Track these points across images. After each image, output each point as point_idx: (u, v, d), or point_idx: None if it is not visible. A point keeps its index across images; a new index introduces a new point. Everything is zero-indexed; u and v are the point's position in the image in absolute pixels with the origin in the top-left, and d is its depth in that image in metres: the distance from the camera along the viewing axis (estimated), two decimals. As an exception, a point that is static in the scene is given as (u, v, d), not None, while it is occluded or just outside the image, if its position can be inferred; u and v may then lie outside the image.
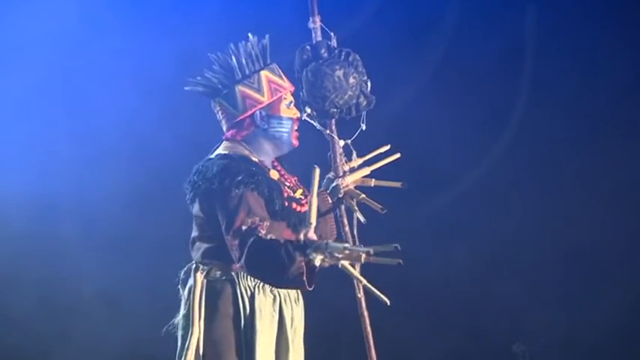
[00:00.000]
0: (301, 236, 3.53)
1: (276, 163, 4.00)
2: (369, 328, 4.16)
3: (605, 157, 5.85)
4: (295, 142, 3.93)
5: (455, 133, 5.92)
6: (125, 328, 5.72)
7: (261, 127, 3.87)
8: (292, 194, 3.87)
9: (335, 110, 4.07)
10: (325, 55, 4.07)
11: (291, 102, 3.93)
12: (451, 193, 5.90)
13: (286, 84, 3.93)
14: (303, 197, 3.91)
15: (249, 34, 3.88)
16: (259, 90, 3.85)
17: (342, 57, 4.07)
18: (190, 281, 3.82)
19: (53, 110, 5.83)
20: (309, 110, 4.09)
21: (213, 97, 3.91)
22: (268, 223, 3.68)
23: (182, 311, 3.82)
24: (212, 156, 3.85)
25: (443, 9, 5.98)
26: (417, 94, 5.88)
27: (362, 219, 4.07)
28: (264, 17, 5.72)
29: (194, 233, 3.85)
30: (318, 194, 4.12)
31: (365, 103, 4.11)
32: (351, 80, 4.06)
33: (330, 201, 4.14)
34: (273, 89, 3.87)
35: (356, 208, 4.10)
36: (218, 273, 3.78)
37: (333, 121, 4.15)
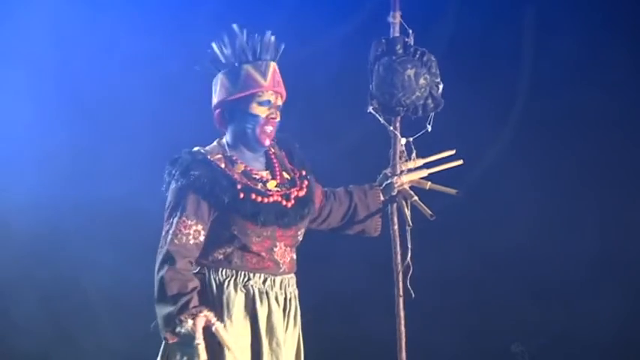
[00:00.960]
0: (211, 318, 3.58)
1: (273, 155, 3.90)
2: (402, 328, 4.16)
3: (604, 157, 5.85)
4: (263, 142, 3.80)
5: (455, 134, 5.87)
6: (126, 328, 5.66)
7: (228, 119, 3.81)
8: (254, 185, 3.77)
9: (401, 108, 4.02)
10: (400, 51, 4.01)
11: (267, 101, 3.79)
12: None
13: (266, 82, 3.78)
14: (272, 190, 3.80)
15: (235, 26, 3.79)
16: (234, 83, 3.78)
17: (417, 56, 4.02)
18: None
19: (54, 110, 5.71)
20: (375, 104, 4.04)
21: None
22: (194, 222, 3.66)
23: None
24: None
25: (444, 5, 5.90)
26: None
27: (409, 223, 4.04)
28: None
29: None
30: (371, 187, 4.10)
31: (432, 105, 4.06)
32: (422, 81, 4.01)
33: (382, 198, 4.12)
34: (246, 84, 3.77)
35: (406, 209, 4.07)
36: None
37: (398, 118, 4.10)
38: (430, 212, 4.01)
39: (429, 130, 4.06)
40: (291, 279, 3.87)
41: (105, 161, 5.75)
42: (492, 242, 5.84)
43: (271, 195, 3.77)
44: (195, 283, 3.65)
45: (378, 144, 4.13)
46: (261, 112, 3.77)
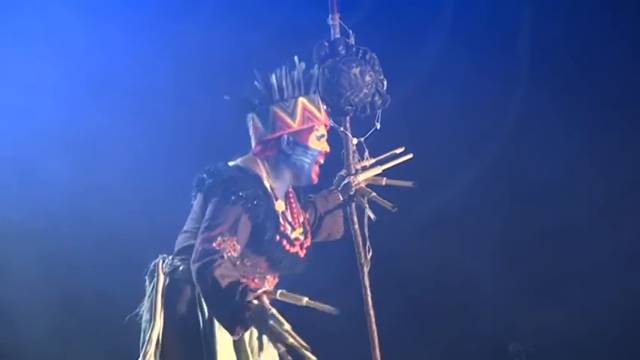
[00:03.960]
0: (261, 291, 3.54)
1: (291, 195, 3.94)
2: (374, 327, 4.17)
3: (602, 156, 5.84)
4: (314, 178, 3.87)
5: (451, 133, 5.90)
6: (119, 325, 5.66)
7: (285, 152, 3.82)
8: (288, 231, 3.81)
9: (350, 108, 4.07)
10: (343, 52, 4.07)
11: (322, 135, 3.86)
12: (447, 191, 5.89)
13: (322, 116, 3.85)
14: (300, 237, 3.86)
15: (296, 59, 3.84)
16: (292, 115, 3.80)
17: (359, 55, 4.08)
18: (155, 275, 3.80)
19: (51, 109, 5.73)
20: (324, 107, 4.09)
21: (249, 111, 3.87)
22: (239, 248, 3.65)
23: (146, 303, 3.81)
24: (231, 163, 3.83)
25: (441, 4, 5.95)
26: (415, 92, 5.86)
27: (372, 216, 4.08)
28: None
29: (185, 227, 3.84)
30: (330, 192, 4.15)
31: (380, 101, 4.11)
32: (367, 78, 4.06)
33: (341, 198, 4.15)
34: (306, 117, 3.82)
35: (367, 205, 4.11)
36: (182, 273, 3.74)
37: (348, 118, 4.15)
38: (391, 205, 4.06)
39: (378, 127, 4.10)
40: None
41: (100, 159, 5.78)
42: (489, 241, 5.85)
43: (295, 245, 3.82)
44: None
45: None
46: (319, 146, 3.84)
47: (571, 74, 5.86)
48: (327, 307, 3.50)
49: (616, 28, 5.83)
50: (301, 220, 3.94)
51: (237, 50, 5.59)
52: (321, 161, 3.86)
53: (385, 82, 4.11)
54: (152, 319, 3.74)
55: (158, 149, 5.71)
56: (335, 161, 4.14)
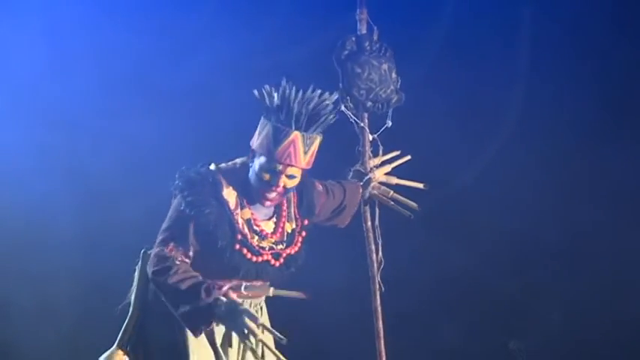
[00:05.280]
0: (226, 287, 3.53)
1: (284, 204, 3.82)
2: (380, 324, 4.17)
3: (604, 154, 5.81)
4: (263, 204, 3.73)
5: (452, 129, 5.88)
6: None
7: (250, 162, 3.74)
8: (253, 240, 3.75)
9: (371, 104, 4.07)
10: (368, 48, 4.06)
11: (273, 169, 3.64)
12: (448, 189, 5.86)
13: (273, 153, 3.62)
14: (274, 246, 3.76)
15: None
16: (259, 135, 3.68)
17: (382, 51, 4.09)
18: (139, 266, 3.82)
19: (49, 108, 5.64)
20: (348, 101, 4.07)
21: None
22: (190, 252, 3.64)
23: (133, 292, 3.83)
24: (208, 166, 3.76)
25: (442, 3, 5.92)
26: (414, 90, 5.81)
27: (409, 214, 4.09)
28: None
29: None
30: (357, 186, 4.14)
31: (396, 99, 4.13)
32: (393, 75, 4.09)
33: (360, 194, 4.14)
34: (261, 145, 3.67)
35: (392, 203, 4.12)
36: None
37: (366, 115, 4.14)
38: (414, 203, 4.07)
39: (389, 125, 4.11)
40: (254, 301, 3.83)
41: (98, 157, 5.69)
42: (489, 239, 5.84)
43: (262, 254, 3.73)
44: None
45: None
46: (266, 177, 3.66)
47: (575, 71, 5.83)
48: (294, 293, 3.54)
49: (620, 25, 5.81)
50: (291, 228, 3.84)
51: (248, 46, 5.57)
52: (271, 195, 3.69)
53: (400, 80, 4.13)
54: (131, 309, 3.78)
55: (163, 146, 5.67)
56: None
